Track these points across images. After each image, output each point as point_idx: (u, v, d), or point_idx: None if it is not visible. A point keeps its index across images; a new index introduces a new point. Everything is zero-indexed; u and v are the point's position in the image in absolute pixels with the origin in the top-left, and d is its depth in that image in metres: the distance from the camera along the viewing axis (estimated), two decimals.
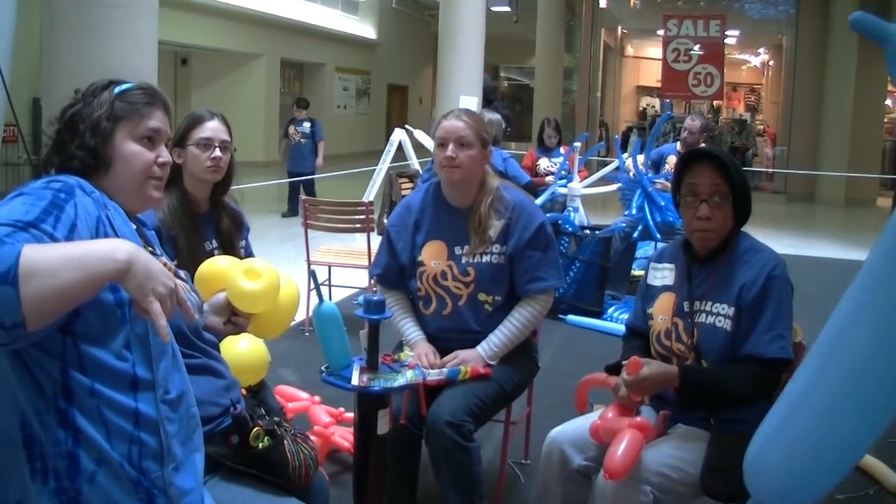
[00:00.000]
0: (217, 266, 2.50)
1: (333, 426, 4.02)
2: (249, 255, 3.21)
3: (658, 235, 6.97)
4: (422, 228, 3.35)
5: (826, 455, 1.84)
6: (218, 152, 3.05)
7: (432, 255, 3.29)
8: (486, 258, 3.25)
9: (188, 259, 2.83)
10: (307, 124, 13.22)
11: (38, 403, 1.72)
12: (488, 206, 3.26)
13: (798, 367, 1.80)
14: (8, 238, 1.55)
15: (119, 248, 1.61)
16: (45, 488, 1.73)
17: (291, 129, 13.12)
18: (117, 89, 1.98)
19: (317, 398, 4.21)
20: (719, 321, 2.74)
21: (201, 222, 3.11)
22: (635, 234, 7.23)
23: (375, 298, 2.58)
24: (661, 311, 2.89)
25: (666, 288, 2.92)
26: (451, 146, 3.21)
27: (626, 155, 8.12)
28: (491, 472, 3.72)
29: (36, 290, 1.49)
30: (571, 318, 7.08)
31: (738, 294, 2.71)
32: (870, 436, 1.72)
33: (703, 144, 7.24)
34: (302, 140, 13.08)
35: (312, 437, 3.71)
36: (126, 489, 1.77)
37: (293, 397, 4.20)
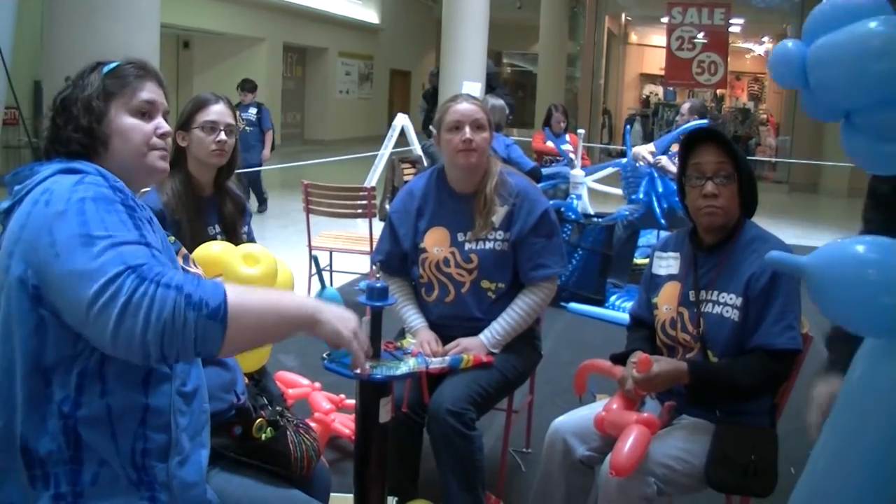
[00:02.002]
0: (213, 251, 2.48)
1: (334, 413, 4.00)
2: (251, 240, 3.18)
3: (663, 222, 6.95)
4: (424, 214, 3.32)
5: None
6: (223, 136, 3.03)
7: (435, 242, 3.27)
8: (489, 245, 3.22)
9: (191, 244, 2.80)
10: (253, 110, 11.62)
11: (43, 409, 1.71)
12: (493, 189, 3.24)
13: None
14: (169, 272, 1.62)
15: (306, 301, 1.84)
16: (45, 493, 1.72)
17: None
18: (106, 68, 1.95)
19: (317, 385, 4.18)
20: (726, 311, 2.72)
21: (205, 206, 3.10)
22: (637, 215, 7.20)
23: (378, 285, 2.54)
24: (667, 301, 2.86)
25: (671, 277, 2.90)
26: (467, 129, 3.18)
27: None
28: (492, 460, 3.71)
29: (240, 329, 1.65)
30: (573, 306, 7.07)
31: (747, 284, 2.68)
32: None
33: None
34: (247, 128, 11.25)
35: (313, 424, 3.72)
36: (127, 487, 1.76)
37: (293, 383, 4.18)
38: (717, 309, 2.73)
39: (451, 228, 3.26)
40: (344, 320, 1.85)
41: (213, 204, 3.13)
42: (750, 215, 2.83)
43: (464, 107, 3.23)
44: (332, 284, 6.65)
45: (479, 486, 3.07)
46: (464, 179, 3.27)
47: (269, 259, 2.44)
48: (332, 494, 2.60)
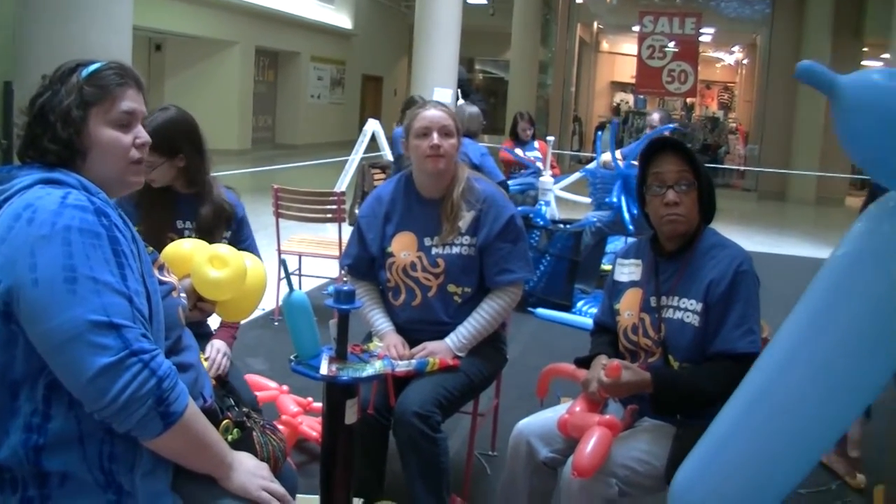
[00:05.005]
0: (183, 249, 2.48)
1: (302, 416, 4.02)
2: (249, 247, 3.24)
3: (631, 228, 7.01)
4: (392, 219, 3.35)
5: (753, 494, 1.78)
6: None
7: (402, 247, 3.30)
8: (455, 249, 3.26)
9: (150, 229, 2.86)
10: None
11: (9, 422, 1.74)
12: (460, 195, 3.27)
13: (728, 401, 1.76)
14: (158, 355, 1.78)
15: (232, 454, 2.02)
16: (13, 497, 1.74)
17: None
18: (85, 72, 1.92)
19: (285, 387, 4.20)
20: (687, 316, 2.76)
21: (176, 199, 3.16)
22: (605, 221, 7.25)
23: (345, 288, 2.58)
24: (628, 307, 2.91)
25: (633, 283, 2.94)
26: (435, 135, 3.21)
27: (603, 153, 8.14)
28: (458, 462, 3.74)
29: (172, 440, 1.81)
30: (541, 311, 7.12)
31: (707, 290, 2.73)
32: (798, 474, 1.69)
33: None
34: None
35: (280, 427, 3.73)
36: (94, 489, 1.78)
37: (262, 386, 4.19)
38: (678, 314, 2.78)
39: (418, 233, 3.30)
40: (255, 477, 2.02)
41: (191, 202, 3.17)
42: (708, 222, 2.89)
43: (432, 113, 3.27)
44: (301, 289, 6.68)
45: (445, 488, 3.10)
46: (431, 185, 3.31)
47: (237, 262, 2.45)
48: (298, 496, 2.61)
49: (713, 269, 2.75)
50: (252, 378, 4.23)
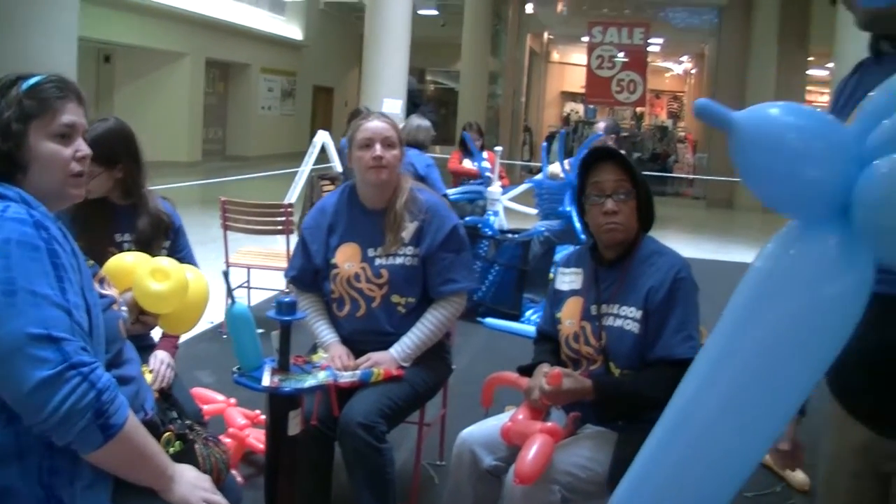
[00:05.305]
0: (125, 262, 2.49)
1: (249, 428, 4.01)
2: (186, 257, 3.22)
3: (584, 237, 7.04)
4: (336, 231, 3.36)
5: None
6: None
7: (346, 258, 3.31)
8: (399, 260, 3.28)
9: (88, 242, 2.85)
10: None
11: None
12: (403, 205, 3.29)
13: (663, 412, 1.76)
14: (98, 368, 1.79)
15: (172, 466, 2.01)
16: None
17: None
18: (25, 85, 1.92)
19: (233, 400, 4.19)
20: (627, 324, 2.79)
21: (114, 211, 3.16)
22: (555, 230, 7.30)
23: (287, 300, 2.59)
24: (570, 315, 2.94)
25: (574, 292, 2.97)
26: (377, 146, 3.23)
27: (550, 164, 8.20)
28: (407, 473, 3.75)
29: (112, 453, 1.81)
30: (490, 321, 7.14)
31: (646, 297, 2.77)
32: (733, 485, 1.68)
33: (610, 144, 7.38)
34: None
35: (227, 440, 3.72)
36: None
37: (209, 399, 4.19)
38: (619, 322, 2.81)
39: (361, 244, 3.31)
40: (197, 489, 2.02)
41: (129, 214, 3.16)
42: (647, 230, 2.93)
43: (375, 124, 3.29)
44: (250, 301, 6.65)
45: (392, 498, 3.10)
46: (374, 196, 3.32)
47: (179, 275, 2.45)
48: None
49: (652, 277, 2.79)
50: (200, 391, 4.22)
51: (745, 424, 1.54)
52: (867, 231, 1.35)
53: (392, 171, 3.27)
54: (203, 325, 5.78)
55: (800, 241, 1.47)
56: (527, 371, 2.94)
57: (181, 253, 3.23)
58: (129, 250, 2.92)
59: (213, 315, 5.22)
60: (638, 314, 2.78)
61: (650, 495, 1.70)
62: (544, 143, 8.85)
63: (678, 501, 1.64)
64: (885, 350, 1.66)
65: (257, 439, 3.96)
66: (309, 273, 3.41)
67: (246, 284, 6.70)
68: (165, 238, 3.22)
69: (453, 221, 3.35)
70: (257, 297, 7.09)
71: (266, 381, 2.62)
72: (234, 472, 3.52)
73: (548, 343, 3.08)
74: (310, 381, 2.68)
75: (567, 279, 3.02)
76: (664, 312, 2.74)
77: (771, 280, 1.51)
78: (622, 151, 7.45)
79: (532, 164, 21.76)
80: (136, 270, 2.43)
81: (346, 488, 3.19)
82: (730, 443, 1.57)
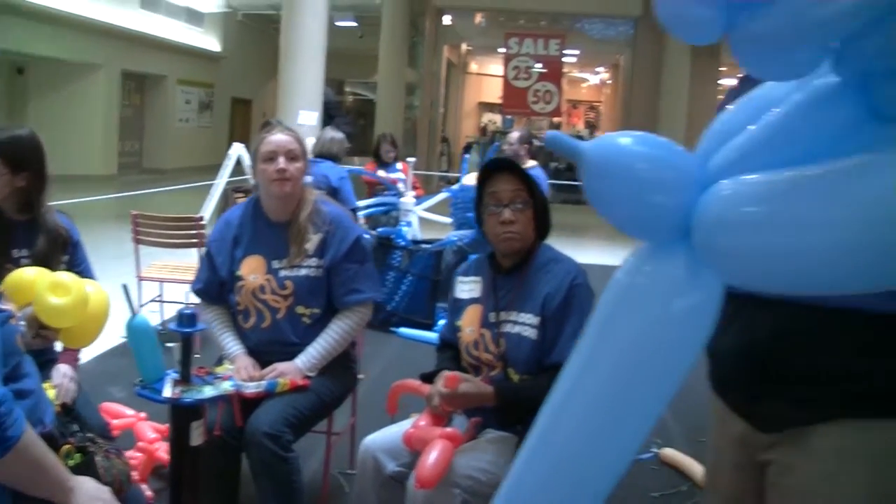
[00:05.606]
0: (25, 277, 2.50)
1: (159, 442, 4.00)
2: (84, 271, 3.21)
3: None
4: (241, 243, 3.39)
5: None
6: None
7: (251, 270, 3.34)
8: (303, 271, 3.31)
9: None
10: None
11: None
12: (307, 218, 3.33)
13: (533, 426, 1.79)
14: None
15: (71, 478, 2.02)
16: None
17: None
18: None
19: (143, 414, 4.18)
20: (525, 331, 2.87)
21: (11, 227, 3.14)
22: (468, 240, 7.37)
23: (187, 311, 2.62)
24: (470, 323, 3.00)
25: (473, 300, 3.04)
26: (281, 159, 3.27)
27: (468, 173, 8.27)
28: (317, 482, 3.78)
29: (9, 465, 1.83)
30: (403, 330, 7.19)
31: (543, 304, 2.84)
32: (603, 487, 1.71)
33: (523, 153, 7.49)
34: None
35: (138, 454, 3.71)
36: None
37: (119, 414, 4.17)
38: (517, 329, 2.88)
39: (266, 256, 3.34)
40: (96, 501, 2.04)
41: (26, 229, 3.15)
42: (543, 238, 3.01)
43: (278, 137, 3.33)
44: (163, 315, 6.60)
45: None
46: (278, 208, 3.36)
47: (79, 289, 2.46)
48: None
49: (549, 283, 2.87)
50: (110, 406, 4.21)
51: (607, 432, 1.60)
52: (705, 252, 1.42)
53: (296, 184, 3.31)
54: (115, 340, 5.74)
55: (652, 258, 1.54)
56: (429, 378, 2.99)
57: (79, 267, 3.22)
58: (25, 265, 2.92)
59: (123, 330, 5.18)
60: (535, 321, 2.85)
61: (524, 501, 1.75)
62: (466, 155, 8.92)
63: (553, 497, 1.68)
64: (752, 348, 1.75)
65: (167, 452, 3.95)
66: (215, 285, 3.43)
67: (159, 298, 6.66)
68: (63, 253, 3.21)
69: (357, 232, 3.40)
70: (171, 311, 7.05)
71: (167, 392, 2.64)
72: (143, 485, 3.54)
73: (449, 350, 3.14)
74: (211, 392, 2.71)
75: (466, 287, 3.09)
76: (561, 319, 2.82)
77: (628, 293, 1.57)
78: (535, 162, 7.56)
79: (450, 174, 21.87)
80: (36, 285, 2.44)
81: (254, 499, 3.20)
82: (594, 449, 1.61)
